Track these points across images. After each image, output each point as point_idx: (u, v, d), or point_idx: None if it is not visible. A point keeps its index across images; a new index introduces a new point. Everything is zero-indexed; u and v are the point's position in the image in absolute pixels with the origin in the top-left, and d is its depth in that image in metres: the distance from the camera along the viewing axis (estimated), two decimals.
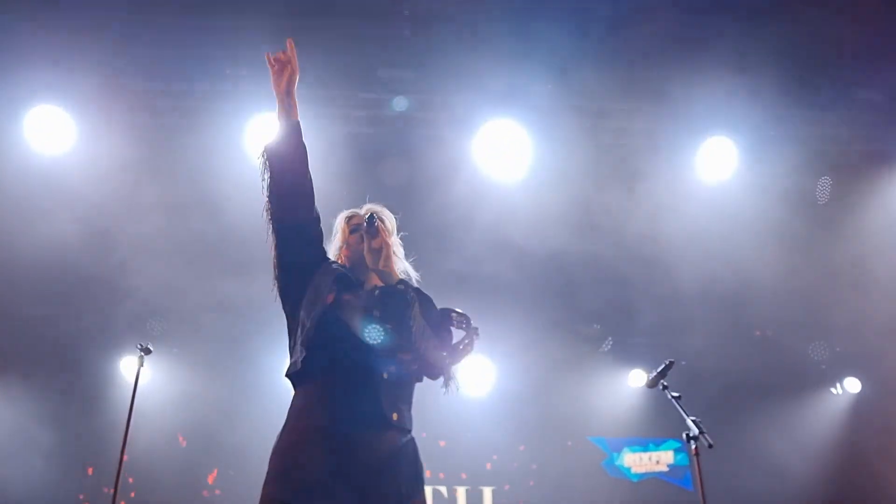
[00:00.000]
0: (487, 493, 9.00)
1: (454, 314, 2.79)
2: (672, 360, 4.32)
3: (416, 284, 2.87)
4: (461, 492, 8.99)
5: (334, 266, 2.78)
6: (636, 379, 8.81)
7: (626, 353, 8.70)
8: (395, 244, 2.83)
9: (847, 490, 8.60)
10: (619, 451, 9.23)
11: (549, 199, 6.93)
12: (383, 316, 2.58)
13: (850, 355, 8.95)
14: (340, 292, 2.64)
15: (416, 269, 2.97)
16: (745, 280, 7.65)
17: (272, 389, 7.21)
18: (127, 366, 8.20)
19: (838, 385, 9.36)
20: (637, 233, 7.22)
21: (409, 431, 2.68)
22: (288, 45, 2.81)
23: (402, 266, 2.87)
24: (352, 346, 2.56)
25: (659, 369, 4.28)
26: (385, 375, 2.58)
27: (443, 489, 8.97)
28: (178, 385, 8.29)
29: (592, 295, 7.75)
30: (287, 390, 2.66)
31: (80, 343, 8.20)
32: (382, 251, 2.69)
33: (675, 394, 4.21)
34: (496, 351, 8.71)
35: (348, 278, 2.74)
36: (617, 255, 7.36)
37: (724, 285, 7.61)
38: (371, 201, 2.99)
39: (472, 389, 8.80)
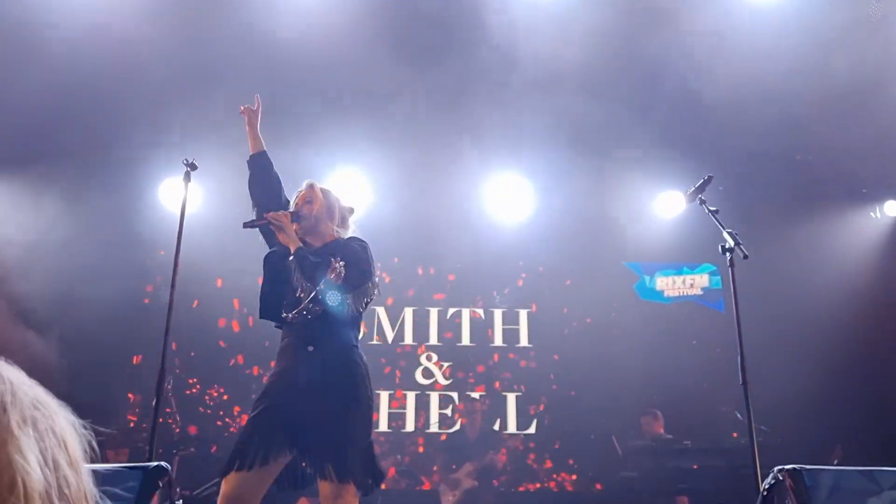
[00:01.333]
0: (523, 315, 9.28)
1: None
2: (711, 175, 4.33)
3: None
4: (498, 314, 9.29)
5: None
6: (672, 203, 8.76)
7: (663, 177, 8.63)
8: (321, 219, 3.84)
9: (880, 315, 8.71)
10: (652, 274, 9.37)
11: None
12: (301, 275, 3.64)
13: (892, 178, 8.82)
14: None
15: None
16: (784, 103, 7.45)
17: None
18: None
19: (877, 209, 9.29)
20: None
21: (336, 354, 3.54)
22: (255, 99, 4.02)
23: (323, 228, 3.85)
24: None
25: (697, 184, 4.28)
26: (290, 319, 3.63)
27: (480, 311, 9.27)
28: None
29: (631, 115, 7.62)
30: None
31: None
32: (304, 230, 3.81)
33: (713, 208, 4.23)
34: (536, 175, 8.71)
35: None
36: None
37: (761, 108, 7.42)
38: None
39: (509, 214, 8.90)
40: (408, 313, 9.23)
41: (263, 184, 3.96)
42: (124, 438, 7.29)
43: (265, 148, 4.00)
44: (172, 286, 3.81)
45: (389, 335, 9.15)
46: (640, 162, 8.33)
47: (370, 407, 3.55)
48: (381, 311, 9.19)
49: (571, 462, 8.74)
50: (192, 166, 4.14)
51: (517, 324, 9.23)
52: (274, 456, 3.29)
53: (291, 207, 3.91)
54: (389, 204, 8.65)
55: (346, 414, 3.40)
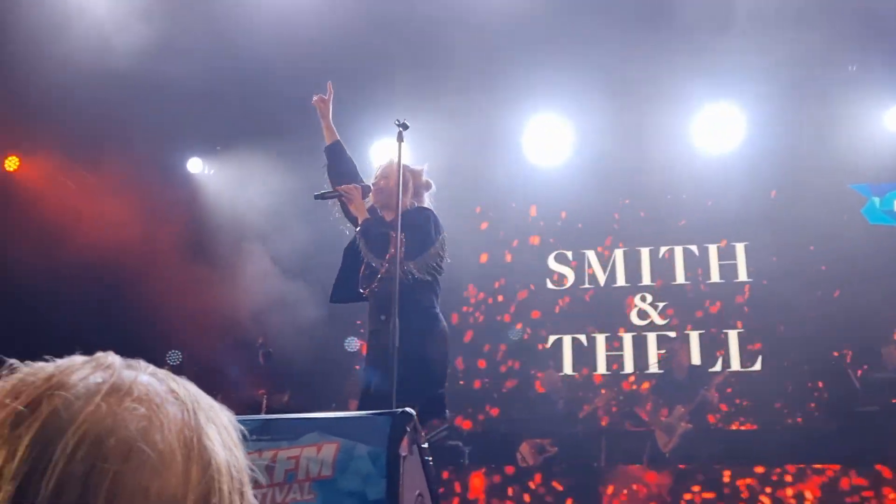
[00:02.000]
0: (740, 248, 8.89)
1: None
2: None
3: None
4: (713, 249, 8.96)
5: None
6: None
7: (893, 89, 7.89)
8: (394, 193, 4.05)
9: None
10: (882, 195, 8.63)
11: None
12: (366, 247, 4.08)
13: None
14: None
15: None
16: None
17: None
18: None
19: None
20: None
21: (406, 319, 3.80)
22: (328, 88, 4.42)
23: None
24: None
25: None
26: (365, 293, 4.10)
27: (694, 248, 8.98)
28: None
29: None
30: None
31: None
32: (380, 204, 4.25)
33: None
34: (745, 97, 8.22)
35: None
36: None
37: None
38: None
39: (719, 146, 8.49)
40: (619, 255, 9.11)
41: (340, 170, 4.31)
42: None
43: (338, 137, 4.38)
44: (398, 255, 3.91)
45: (601, 278, 9.09)
46: (864, 78, 7.65)
47: (437, 363, 3.98)
48: (590, 254, 9.15)
49: (799, 398, 8.33)
50: (404, 126, 4.24)
51: (734, 258, 8.86)
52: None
53: (371, 180, 4.25)
54: (592, 147, 8.54)
55: (417, 372, 3.81)
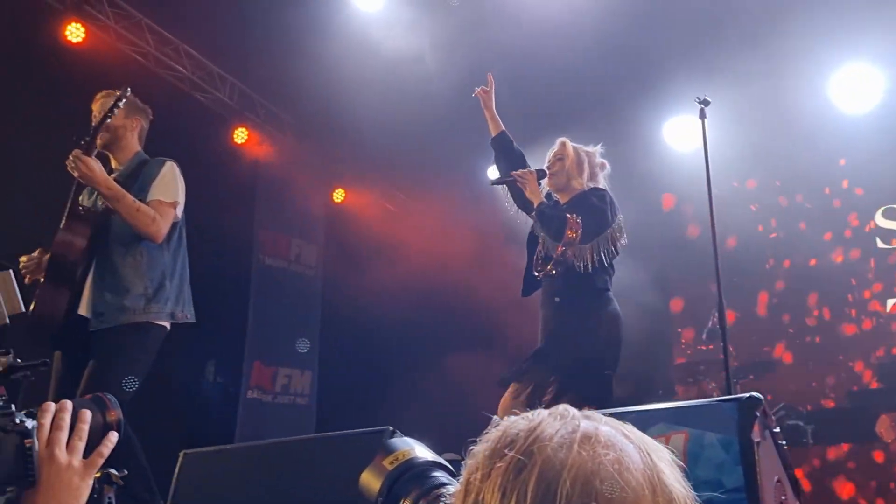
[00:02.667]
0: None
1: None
2: None
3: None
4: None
5: None
6: None
7: None
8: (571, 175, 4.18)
9: None
10: None
11: None
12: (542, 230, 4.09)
13: None
14: None
15: None
16: None
17: None
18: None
19: None
20: None
21: (579, 302, 3.97)
22: (488, 79, 4.46)
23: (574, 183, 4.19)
24: None
25: None
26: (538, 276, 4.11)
27: None
28: None
29: None
30: None
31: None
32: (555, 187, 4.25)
33: None
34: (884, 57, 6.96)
35: None
36: None
37: None
38: None
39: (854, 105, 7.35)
40: None
41: (507, 161, 4.33)
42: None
43: (503, 128, 4.39)
44: (713, 229, 3.85)
45: None
46: None
47: (609, 346, 3.96)
48: None
49: None
50: (706, 102, 4.13)
51: None
52: (529, 377, 3.95)
53: (545, 163, 4.22)
54: None
55: (585, 353, 3.87)
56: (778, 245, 8.70)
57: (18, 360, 1.59)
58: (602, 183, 4.25)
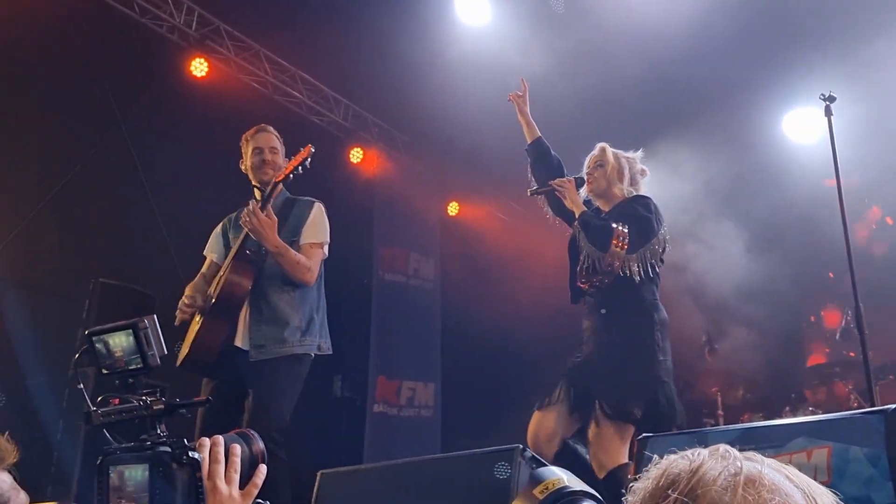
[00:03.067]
0: None
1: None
2: None
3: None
4: None
5: None
6: None
7: None
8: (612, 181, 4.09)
9: None
10: None
11: None
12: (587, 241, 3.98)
13: None
14: None
15: None
16: None
17: None
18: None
19: None
20: None
21: (626, 314, 3.90)
22: (522, 83, 4.41)
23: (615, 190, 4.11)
24: None
25: None
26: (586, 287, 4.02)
27: None
28: None
29: None
30: None
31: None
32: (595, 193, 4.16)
33: None
34: None
35: None
36: None
37: None
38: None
39: None
40: None
41: (545, 168, 4.27)
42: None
43: (539, 134, 4.34)
44: (844, 225, 3.70)
45: None
46: None
47: (655, 357, 3.82)
48: None
49: None
50: (831, 99, 3.99)
51: None
52: (569, 397, 3.90)
53: (584, 170, 4.13)
54: None
55: (628, 365, 3.79)
56: None
57: (177, 399, 1.71)
58: (643, 189, 4.17)
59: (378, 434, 7.93)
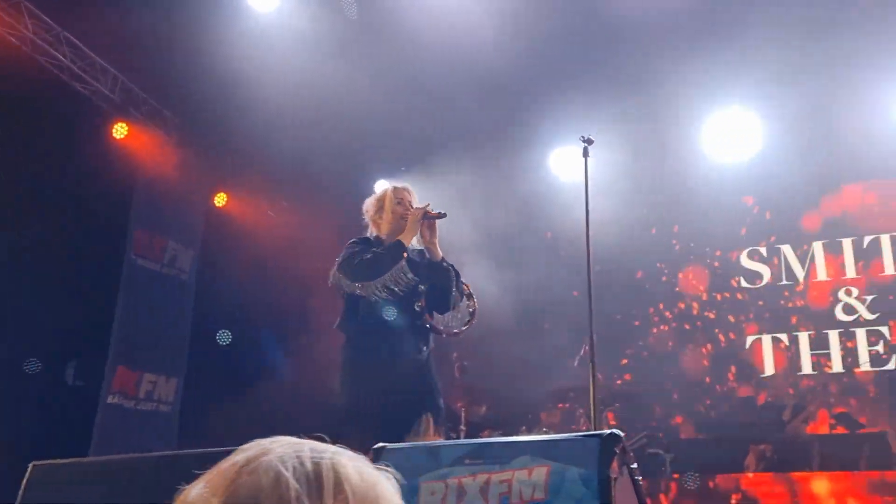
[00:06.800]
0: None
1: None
2: None
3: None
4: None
5: None
6: None
7: None
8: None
9: None
10: None
11: None
12: None
13: None
14: None
15: None
16: None
17: None
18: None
19: None
20: None
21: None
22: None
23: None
24: None
25: None
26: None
27: None
28: None
29: None
30: None
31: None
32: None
33: None
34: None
35: None
36: None
37: None
38: None
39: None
40: (817, 248, 8.62)
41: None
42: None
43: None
44: (588, 259, 3.97)
45: (800, 273, 8.64)
46: None
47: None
48: (787, 249, 8.72)
49: None
50: (589, 141, 4.27)
51: None
52: None
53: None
54: (780, 135, 8.17)
55: None
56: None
57: None
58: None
59: (110, 427, 7.43)
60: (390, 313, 3.91)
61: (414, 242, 4.05)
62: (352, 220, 8.73)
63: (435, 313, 4.10)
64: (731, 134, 8.23)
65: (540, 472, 2.70)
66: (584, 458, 2.70)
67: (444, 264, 4.11)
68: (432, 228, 4.09)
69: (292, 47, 6.93)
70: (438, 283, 4.09)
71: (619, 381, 8.50)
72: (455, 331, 4.19)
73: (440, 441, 2.98)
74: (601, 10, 6.76)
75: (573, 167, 7.68)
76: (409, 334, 4.02)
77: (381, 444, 2.98)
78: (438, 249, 4.11)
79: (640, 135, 8.13)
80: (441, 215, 4.02)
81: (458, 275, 4.15)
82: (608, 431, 2.75)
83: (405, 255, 3.96)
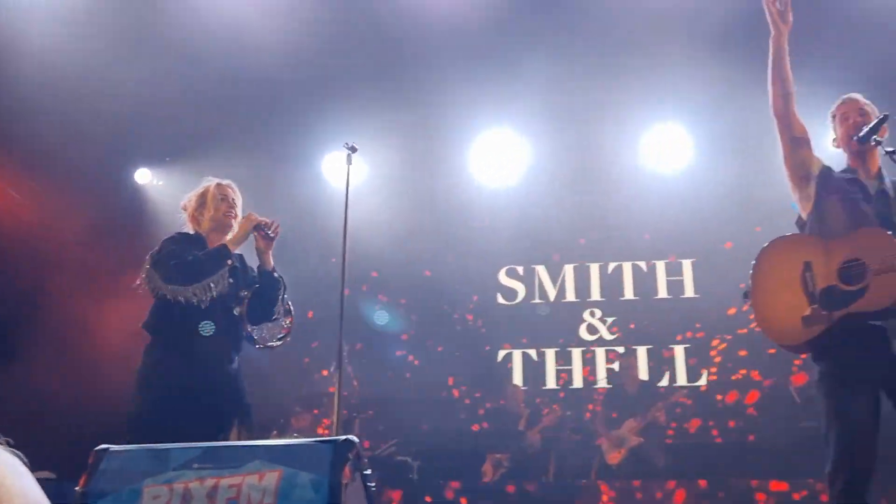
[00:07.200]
0: (687, 265, 9.07)
1: None
2: (887, 113, 4.03)
3: None
4: (661, 266, 9.11)
5: None
6: None
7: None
8: None
9: None
10: None
11: None
12: None
13: None
14: None
15: None
16: None
17: None
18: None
19: None
20: None
21: None
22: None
23: None
24: None
25: (871, 125, 4.00)
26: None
27: (642, 264, 9.13)
28: None
29: None
30: None
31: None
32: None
33: (890, 149, 3.96)
34: (689, 118, 8.36)
35: None
36: None
37: None
38: None
39: (666, 165, 8.61)
40: (568, 270, 9.23)
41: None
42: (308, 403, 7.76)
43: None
44: (343, 270, 3.98)
45: (552, 293, 9.20)
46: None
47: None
48: (541, 269, 9.25)
49: (749, 412, 8.48)
50: (353, 149, 4.29)
51: (680, 275, 9.02)
52: None
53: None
54: (546, 162, 8.67)
55: None
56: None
57: None
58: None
59: None
60: (207, 317, 3.73)
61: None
62: (108, 204, 8.33)
63: (250, 325, 3.96)
64: (499, 155, 8.62)
65: (271, 477, 2.64)
66: (316, 463, 2.68)
67: (276, 275, 4.01)
68: (268, 238, 3.97)
69: (52, 21, 6.48)
70: (265, 292, 3.98)
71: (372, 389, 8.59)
72: (270, 344, 4.04)
73: (169, 444, 2.84)
74: (385, 25, 6.92)
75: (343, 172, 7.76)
76: (223, 340, 3.83)
77: (104, 446, 2.80)
78: (271, 258, 3.99)
79: (413, 147, 8.34)
80: (272, 237, 3.94)
81: (285, 288, 4.05)
82: (343, 437, 2.76)
83: (229, 261, 3.84)
